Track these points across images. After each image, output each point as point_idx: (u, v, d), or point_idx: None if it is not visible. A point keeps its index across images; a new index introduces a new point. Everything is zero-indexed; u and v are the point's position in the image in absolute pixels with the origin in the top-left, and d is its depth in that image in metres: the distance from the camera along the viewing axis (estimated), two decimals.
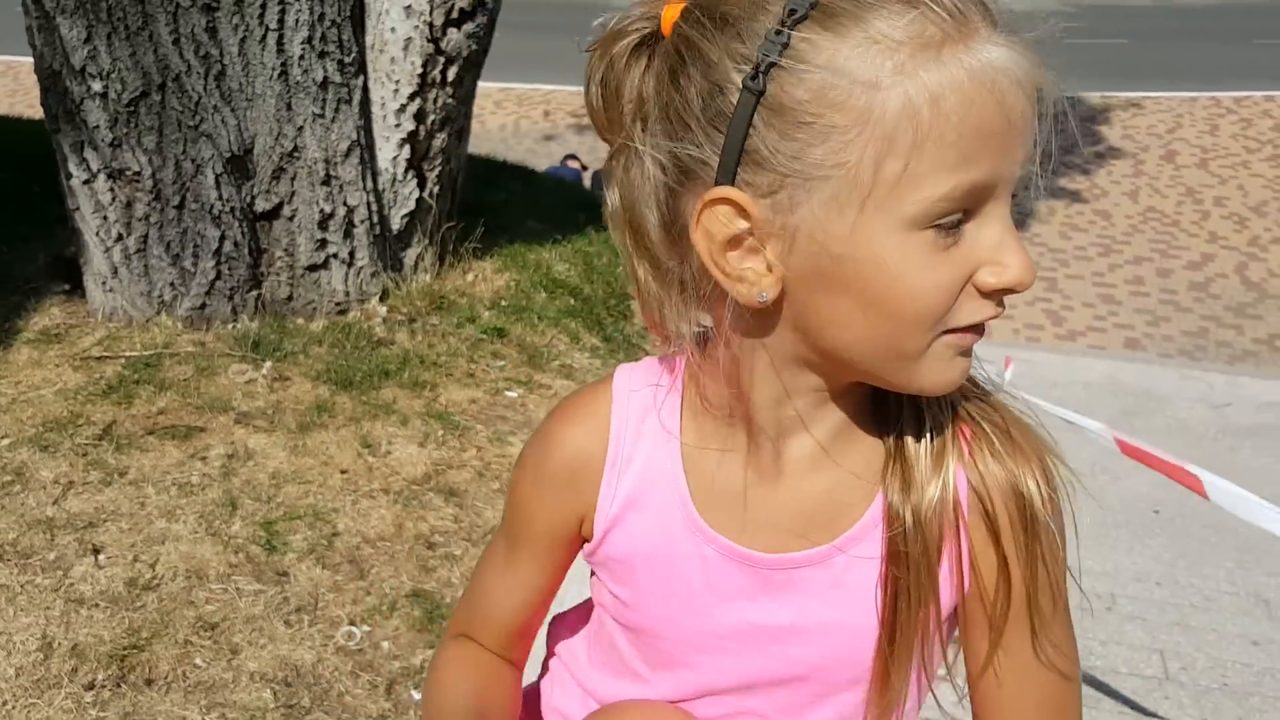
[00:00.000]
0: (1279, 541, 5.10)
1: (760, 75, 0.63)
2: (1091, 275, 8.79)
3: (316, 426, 2.82)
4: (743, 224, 0.66)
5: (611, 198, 0.73)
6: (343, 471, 2.67)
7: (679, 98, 0.66)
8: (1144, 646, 3.97)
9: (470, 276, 3.75)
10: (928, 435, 0.75)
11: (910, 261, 0.64)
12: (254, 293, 3.34)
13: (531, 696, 1.00)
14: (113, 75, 3.07)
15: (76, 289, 3.49)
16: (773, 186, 0.64)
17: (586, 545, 0.87)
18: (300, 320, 3.36)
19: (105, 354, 3.15)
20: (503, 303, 3.70)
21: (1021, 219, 9.62)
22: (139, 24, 3.04)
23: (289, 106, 3.21)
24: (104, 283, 3.31)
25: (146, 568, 2.35)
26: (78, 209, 3.27)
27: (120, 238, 3.23)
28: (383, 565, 2.40)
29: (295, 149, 3.25)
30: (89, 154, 3.17)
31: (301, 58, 3.19)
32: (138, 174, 3.16)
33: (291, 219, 3.32)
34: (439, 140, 3.66)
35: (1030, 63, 0.65)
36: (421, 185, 3.67)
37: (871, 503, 0.76)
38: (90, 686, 2.07)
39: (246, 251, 3.29)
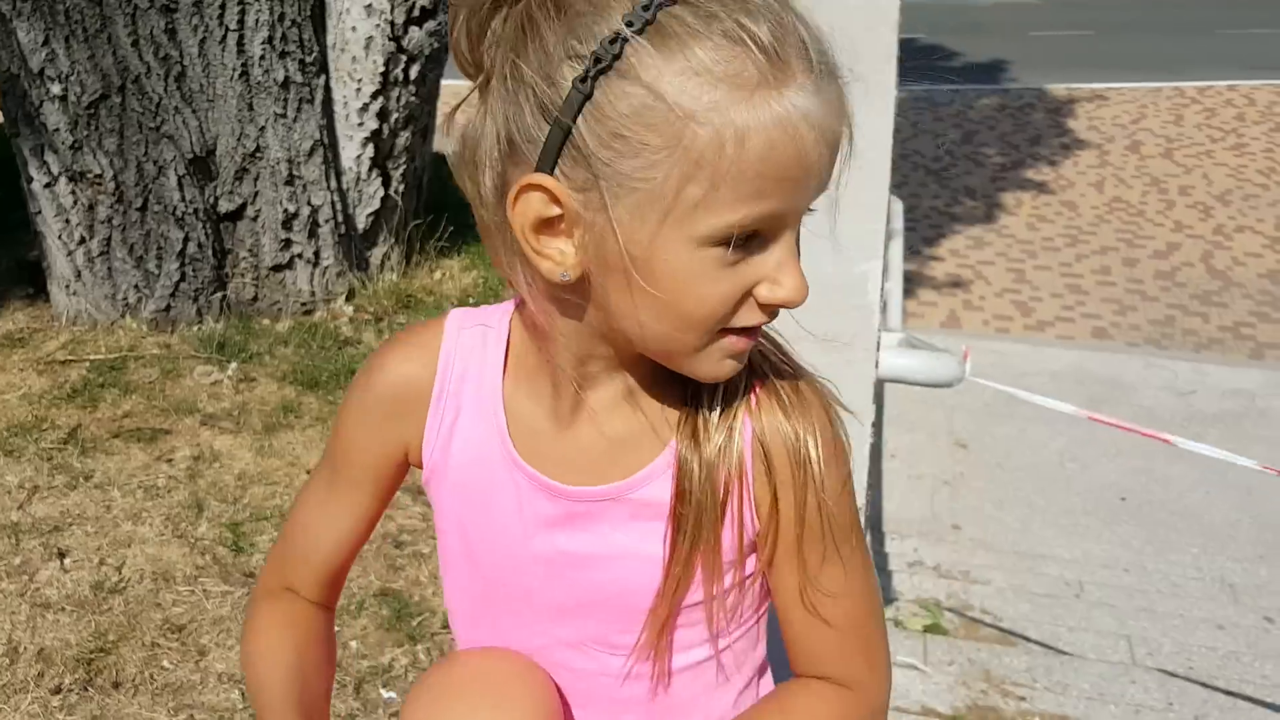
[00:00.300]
0: (1242, 527, 5.18)
1: (590, 80, 0.67)
2: (1059, 266, 8.85)
3: (283, 427, 2.82)
4: (555, 210, 0.71)
5: (457, 146, 0.77)
6: (309, 472, 2.67)
7: (518, 76, 0.70)
8: (1111, 632, 4.02)
9: (437, 274, 3.74)
10: (720, 391, 0.81)
11: (699, 273, 0.71)
12: (219, 294, 3.33)
13: None
14: (71, 78, 3.05)
15: (40, 293, 3.47)
16: (586, 184, 0.69)
17: (423, 470, 0.91)
18: (266, 321, 3.35)
19: (70, 358, 3.14)
20: (470, 300, 3.70)
21: (989, 209, 9.69)
22: (97, 26, 3.02)
23: (250, 107, 3.20)
24: (67, 286, 3.29)
25: (113, 571, 2.34)
26: (39, 213, 3.25)
27: (83, 241, 3.21)
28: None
29: (258, 149, 3.24)
30: (49, 157, 3.15)
31: (262, 58, 3.18)
32: (99, 176, 3.15)
33: (255, 219, 3.31)
34: (403, 138, 3.65)
35: (835, 113, 0.70)
36: (386, 184, 3.66)
37: (665, 449, 0.83)
38: (57, 690, 2.06)
39: (210, 253, 3.28)
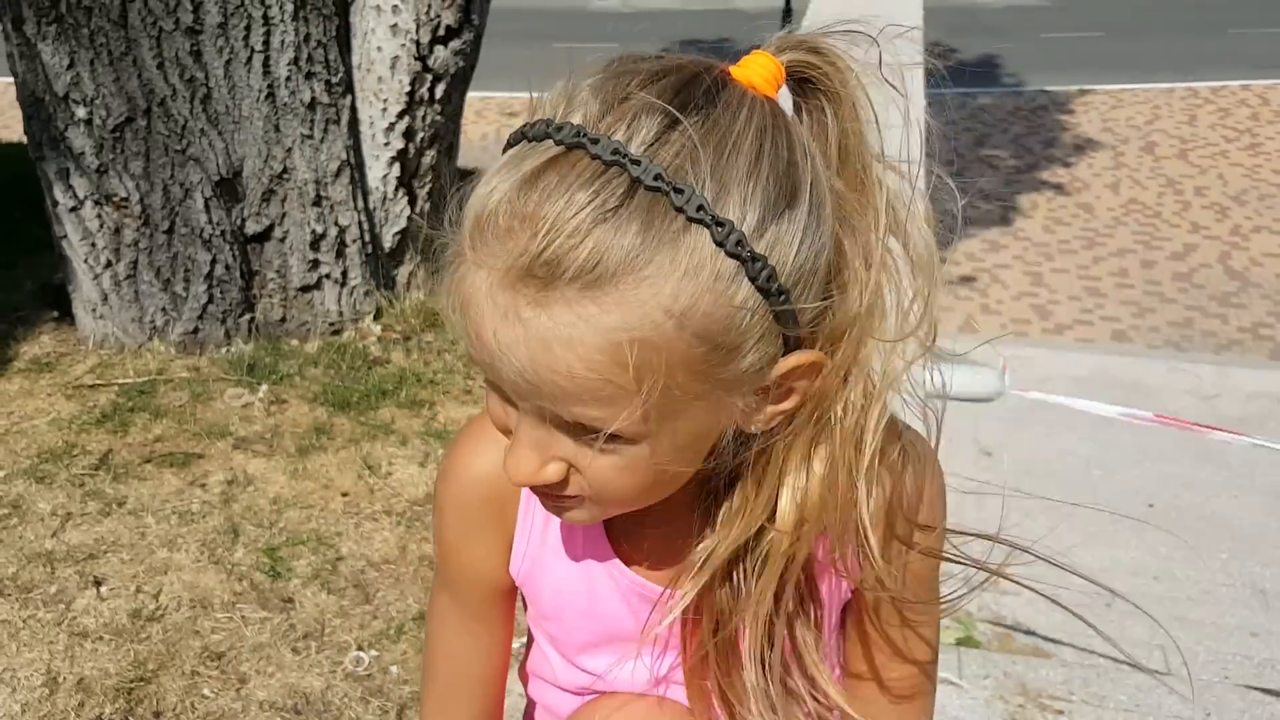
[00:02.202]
0: (1270, 531, 5.14)
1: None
2: (1076, 268, 8.82)
3: (316, 449, 2.80)
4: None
5: None
6: (344, 494, 2.66)
7: None
8: (1145, 642, 3.98)
9: None
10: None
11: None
12: (247, 316, 3.33)
13: None
14: (97, 101, 3.05)
15: (66, 316, 3.47)
16: None
17: (514, 574, 0.88)
18: (295, 342, 3.35)
19: (98, 382, 3.13)
20: None
21: (1005, 212, 9.66)
22: (122, 49, 3.02)
23: (277, 128, 3.20)
24: (94, 309, 3.29)
25: (150, 598, 2.34)
26: (65, 236, 3.25)
27: (109, 264, 3.21)
28: (388, 588, 2.39)
29: (285, 170, 3.24)
30: (75, 180, 3.15)
31: (288, 79, 3.18)
32: (125, 199, 3.14)
33: (283, 240, 3.31)
34: (429, 157, 3.65)
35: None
36: (412, 203, 3.66)
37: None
38: None
39: (238, 274, 3.27)
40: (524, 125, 0.66)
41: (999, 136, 11.30)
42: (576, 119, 0.63)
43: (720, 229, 0.61)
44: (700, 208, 0.60)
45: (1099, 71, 12.99)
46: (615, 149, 0.61)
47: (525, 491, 0.83)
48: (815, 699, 0.83)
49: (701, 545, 0.77)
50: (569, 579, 0.84)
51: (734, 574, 0.77)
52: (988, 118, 11.78)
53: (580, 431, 0.66)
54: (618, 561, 0.83)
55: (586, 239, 0.60)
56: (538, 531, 0.84)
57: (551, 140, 0.63)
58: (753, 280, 0.63)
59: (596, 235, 0.60)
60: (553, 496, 0.72)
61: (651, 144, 0.61)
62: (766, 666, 0.80)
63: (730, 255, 0.62)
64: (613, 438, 0.65)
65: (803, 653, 0.81)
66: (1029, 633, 4.02)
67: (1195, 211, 9.66)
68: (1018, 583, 0.85)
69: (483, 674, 0.94)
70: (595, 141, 0.61)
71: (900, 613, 0.84)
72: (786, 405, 0.70)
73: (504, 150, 0.66)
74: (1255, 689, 3.52)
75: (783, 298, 0.64)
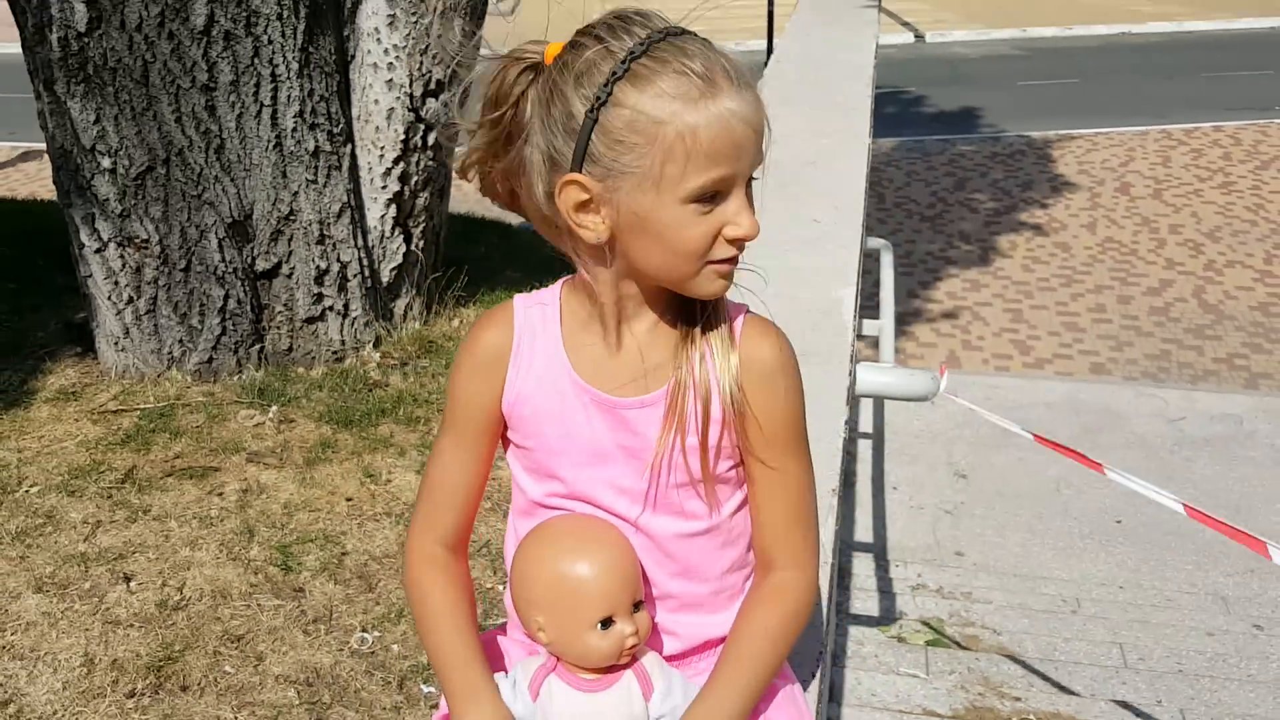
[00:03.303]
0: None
1: (597, 109, 1.05)
2: (1055, 305, 9.08)
3: (322, 461, 3.07)
4: (585, 195, 1.08)
5: (509, 176, 1.17)
6: (348, 499, 2.92)
7: (549, 115, 1.08)
8: (1105, 641, 4.21)
9: (456, 322, 4.02)
10: (718, 323, 1.18)
11: (683, 222, 1.08)
12: (257, 346, 3.61)
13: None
14: (120, 152, 3.35)
15: (88, 351, 3.74)
16: (602, 175, 1.07)
17: (506, 420, 1.24)
18: (301, 369, 3.63)
19: (121, 407, 3.41)
20: None
21: (985, 252, 9.96)
22: (144, 105, 3.33)
23: (284, 174, 3.50)
24: (116, 343, 3.57)
25: (175, 591, 2.59)
26: (90, 276, 3.54)
27: (131, 300, 3.50)
28: (389, 578, 2.65)
29: (291, 212, 3.54)
30: (100, 224, 3.44)
31: (294, 130, 3.49)
32: (146, 241, 3.44)
33: (290, 276, 3.60)
34: (422, 199, 3.96)
35: (753, 108, 1.07)
36: (408, 240, 3.96)
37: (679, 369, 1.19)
38: (131, 695, 2.30)
39: (249, 308, 3.56)
40: (641, 37, 1.06)
41: (978, 180, 11.65)
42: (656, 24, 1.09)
43: None
44: None
45: (1074, 116, 13.38)
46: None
47: (515, 344, 1.22)
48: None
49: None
50: (544, 397, 1.21)
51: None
52: (966, 163, 12.15)
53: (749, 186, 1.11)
54: (577, 376, 1.20)
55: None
56: (523, 373, 1.22)
57: (665, 37, 1.07)
58: None
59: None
60: (734, 262, 1.11)
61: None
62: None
63: None
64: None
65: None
66: (995, 633, 4.25)
67: (1170, 248, 9.97)
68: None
69: (466, 493, 1.28)
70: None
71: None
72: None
73: (635, 55, 1.05)
74: (1204, 677, 3.74)
75: None
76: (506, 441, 1.27)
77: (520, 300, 1.25)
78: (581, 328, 1.20)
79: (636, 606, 1.19)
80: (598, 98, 1.05)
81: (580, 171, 1.07)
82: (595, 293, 1.17)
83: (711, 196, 1.07)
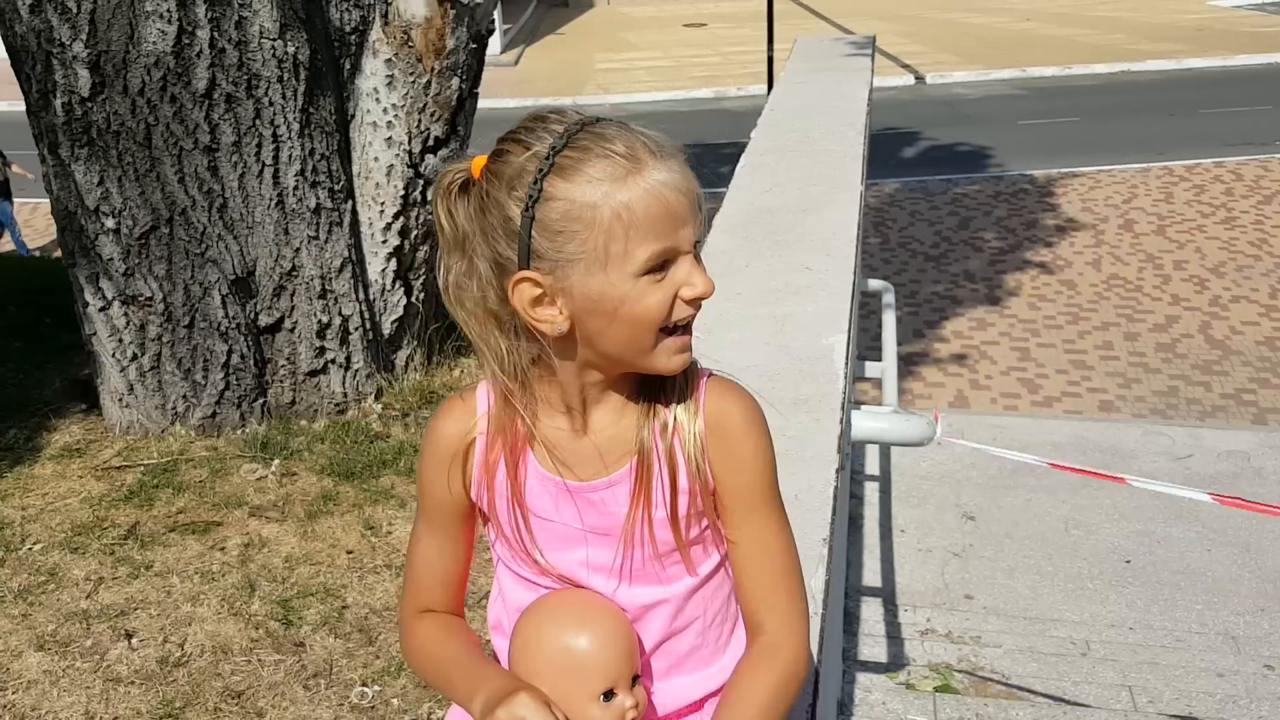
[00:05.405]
0: (1244, 581, 5.33)
1: (531, 207, 1.07)
2: (1062, 343, 9.08)
3: (323, 514, 3.09)
4: (538, 290, 1.10)
5: (453, 287, 1.16)
6: (349, 552, 2.94)
7: (487, 223, 1.11)
8: (1114, 684, 4.18)
9: (456, 372, 4.06)
10: (678, 395, 1.19)
11: (640, 294, 1.10)
12: (260, 400, 3.64)
13: None
14: (124, 212, 3.41)
15: (93, 408, 3.78)
16: (550, 268, 1.09)
17: (476, 507, 1.25)
18: (304, 421, 3.66)
19: (125, 463, 3.44)
20: None
21: (991, 291, 9.98)
22: (147, 166, 3.39)
23: (286, 231, 3.55)
24: (120, 399, 3.61)
25: (176, 647, 2.60)
26: (94, 334, 3.58)
27: (135, 357, 3.54)
28: (389, 632, 2.65)
29: (293, 268, 3.58)
30: (104, 283, 3.49)
31: (295, 188, 3.54)
32: (150, 299, 3.48)
33: (292, 330, 3.64)
34: (422, 252, 4.01)
35: (680, 174, 1.10)
36: (408, 293, 4.00)
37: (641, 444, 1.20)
38: None
39: (252, 363, 3.60)
40: (559, 132, 1.10)
41: (982, 219, 11.70)
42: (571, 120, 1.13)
43: None
44: None
45: (1076, 154, 13.46)
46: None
47: (476, 438, 1.22)
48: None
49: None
50: (507, 488, 1.22)
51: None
52: (970, 202, 12.21)
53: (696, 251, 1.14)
54: (541, 470, 1.21)
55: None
56: (485, 464, 1.22)
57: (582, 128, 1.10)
58: None
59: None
60: (690, 328, 1.13)
61: None
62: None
63: None
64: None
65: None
66: (1003, 682, 4.22)
67: (1175, 284, 9.98)
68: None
69: (447, 575, 1.29)
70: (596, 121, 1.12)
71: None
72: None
73: (557, 149, 1.09)
74: None
75: None
76: (485, 517, 1.29)
77: (482, 388, 1.25)
78: (545, 415, 1.21)
79: (634, 680, 1.21)
80: (530, 196, 1.08)
81: (528, 268, 1.09)
82: (559, 382, 1.18)
83: (662, 265, 1.10)
